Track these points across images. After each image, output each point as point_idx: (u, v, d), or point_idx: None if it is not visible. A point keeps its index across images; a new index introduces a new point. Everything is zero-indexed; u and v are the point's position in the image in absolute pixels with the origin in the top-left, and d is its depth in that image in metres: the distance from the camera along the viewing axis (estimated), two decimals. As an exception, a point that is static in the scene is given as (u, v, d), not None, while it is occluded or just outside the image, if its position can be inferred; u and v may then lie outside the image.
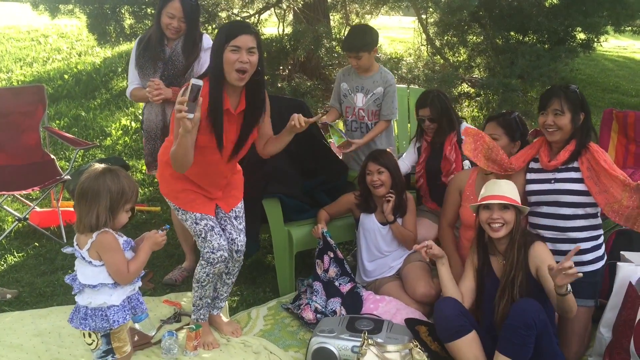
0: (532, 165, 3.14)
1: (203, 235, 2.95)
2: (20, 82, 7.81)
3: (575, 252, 2.55)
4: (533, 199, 3.08)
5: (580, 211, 2.97)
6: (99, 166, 2.40)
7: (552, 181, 3.01)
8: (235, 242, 3.09)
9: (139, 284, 2.52)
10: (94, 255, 2.35)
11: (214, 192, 3.06)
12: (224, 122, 2.80)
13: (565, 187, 2.96)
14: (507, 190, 2.85)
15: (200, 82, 2.48)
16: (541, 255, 2.77)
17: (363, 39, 3.88)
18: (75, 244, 2.40)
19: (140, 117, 6.85)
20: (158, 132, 3.70)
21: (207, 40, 3.66)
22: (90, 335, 2.41)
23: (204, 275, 3.02)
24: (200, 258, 3.01)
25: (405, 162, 4.01)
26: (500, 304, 2.77)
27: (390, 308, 3.34)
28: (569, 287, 2.57)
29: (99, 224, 2.32)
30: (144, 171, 5.69)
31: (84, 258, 2.36)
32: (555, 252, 2.90)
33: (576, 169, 2.97)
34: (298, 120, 2.86)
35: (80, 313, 2.39)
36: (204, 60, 3.59)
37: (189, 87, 2.46)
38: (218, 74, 2.75)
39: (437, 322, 2.85)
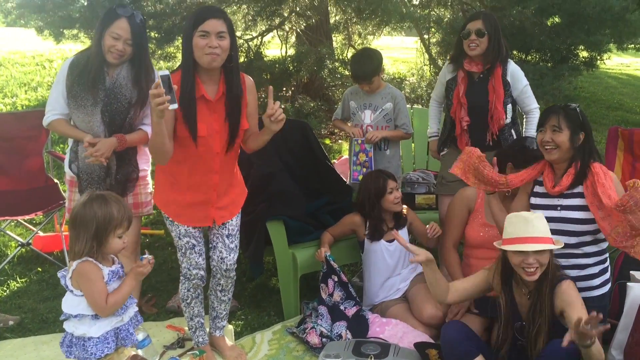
0: (537, 189, 3.02)
1: (183, 250, 2.97)
2: (24, 107, 7.85)
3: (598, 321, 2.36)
4: None
5: (588, 238, 2.88)
6: (92, 193, 2.41)
7: (559, 208, 2.91)
8: (224, 261, 3.04)
9: (130, 314, 2.47)
10: (75, 284, 2.33)
11: (209, 194, 2.92)
12: (203, 110, 2.75)
13: (572, 216, 2.86)
14: (541, 229, 2.60)
15: (166, 72, 2.44)
16: (569, 298, 2.60)
17: (372, 65, 3.86)
18: (65, 271, 2.40)
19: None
20: (101, 174, 3.20)
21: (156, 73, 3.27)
22: None
23: (186, 291, 3.07)
24: (180, 274, 3.06)
25: (435, 103, 4.03)
26: (535, 343, 2.68)
27: (397, 331, 3.29)
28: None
29: (83, 251, 2.31)
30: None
31: (67, 286, 2.35)
32: None
33: (581, 195, 2.87)
34: (270, 118, 2.70)
35: (66, 340, 2.38)
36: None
37: (159, 83, 2.39)
38: (188, 61, 2.69)
39: (444, 347, 2.82)
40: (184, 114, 2.69)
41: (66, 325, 2.39)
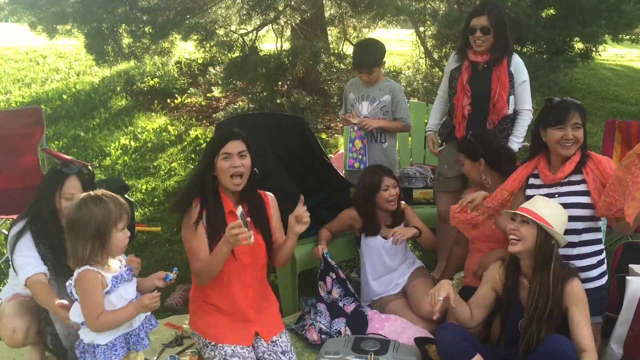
0: (532, 181, 3.04)
1: None
2: (18, 103, 7.80)
3: None
4: None
5: (586, 225, 2.89)
6: (82, 195, 2.36)
7: (556, 195, 2.92)
8: (277, 344, 2.89)
9: (141, 318, 2.45)
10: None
11: (246, 310, 2.90)
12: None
13: (571, 201, 2.88)
14: (541, 208, 2.72)
15: (240, 209, 2.56)
16: (577, 297, 2.68)
17: (374, 55, 3.87)
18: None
19: (140, 135, 6.86)
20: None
21: None
22: None
23: None
24: None
25: (440, 99, 3.97)
26: (525, 335, 2.70)
27: (396, 327, 3.28)
28: None
29: (86, 254, 2.27)
30: (144, 191, 5.66)
31: (72, 294, 2.32)
32: None
33: (580, 182, 2.90)
34: (297, 218, 2.87)
35: (80, 346, 2.36)
36: None
37: (239, 219, 2.53)
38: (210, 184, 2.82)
39: (440, 350, 2.82)
40: (218, 232, 2.74)
41: (80, 332, 2.38)
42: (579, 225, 2.89)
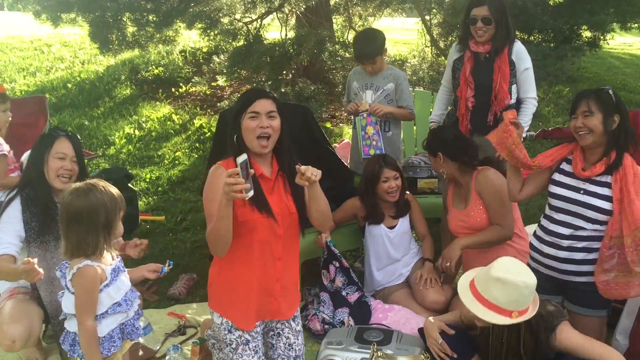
0: (564, 166, 2.88)
1: (234, 345, 2.60)
2: (23, 92, 7.80)
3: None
4: (553, 202, 2.86)
5: (600, 227, 2.74)
6: (80, 184, 2.29)
7: (582, 192, 2.77)
8: (292, 347, 2.72)
9: (135, 308, 2.43)
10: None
11: (272, 285, 2.61)
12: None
13: (593, 203, 2.74)
14: (495, 294, 2.44)
15: (244, 157, 2.21)
16: (574, 345, 2.46)
17: (374, 45, 3.85)
18: (65, 268, 2.31)
19: (144, 124, 6.85)
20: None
21: None
22: None
23: None
24: None
25: (444, 89, 3.91)
26: None
27: (400, 317, 3.27)
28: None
29: (100, 245, 2.23)
30: (148, 180, 5.66)
31: (68, 287, 2.29)
32: (551, 257, 2.74)
33: (608, 185, 2.73)
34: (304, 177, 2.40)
35: (69, 338, 2.32)
36: None
37: (238, 170, 2.17)
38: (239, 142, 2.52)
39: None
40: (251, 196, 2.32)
41: (67, 325, 2.33)
42: (588, 225, 2.76)
